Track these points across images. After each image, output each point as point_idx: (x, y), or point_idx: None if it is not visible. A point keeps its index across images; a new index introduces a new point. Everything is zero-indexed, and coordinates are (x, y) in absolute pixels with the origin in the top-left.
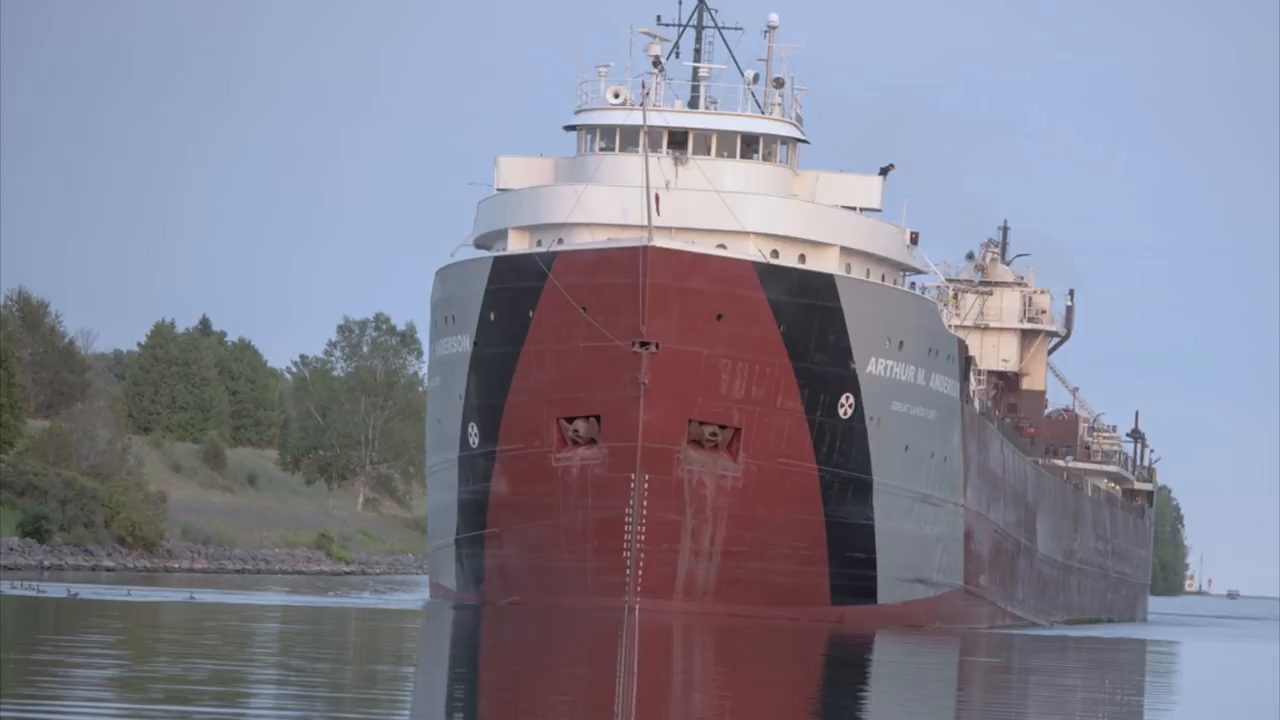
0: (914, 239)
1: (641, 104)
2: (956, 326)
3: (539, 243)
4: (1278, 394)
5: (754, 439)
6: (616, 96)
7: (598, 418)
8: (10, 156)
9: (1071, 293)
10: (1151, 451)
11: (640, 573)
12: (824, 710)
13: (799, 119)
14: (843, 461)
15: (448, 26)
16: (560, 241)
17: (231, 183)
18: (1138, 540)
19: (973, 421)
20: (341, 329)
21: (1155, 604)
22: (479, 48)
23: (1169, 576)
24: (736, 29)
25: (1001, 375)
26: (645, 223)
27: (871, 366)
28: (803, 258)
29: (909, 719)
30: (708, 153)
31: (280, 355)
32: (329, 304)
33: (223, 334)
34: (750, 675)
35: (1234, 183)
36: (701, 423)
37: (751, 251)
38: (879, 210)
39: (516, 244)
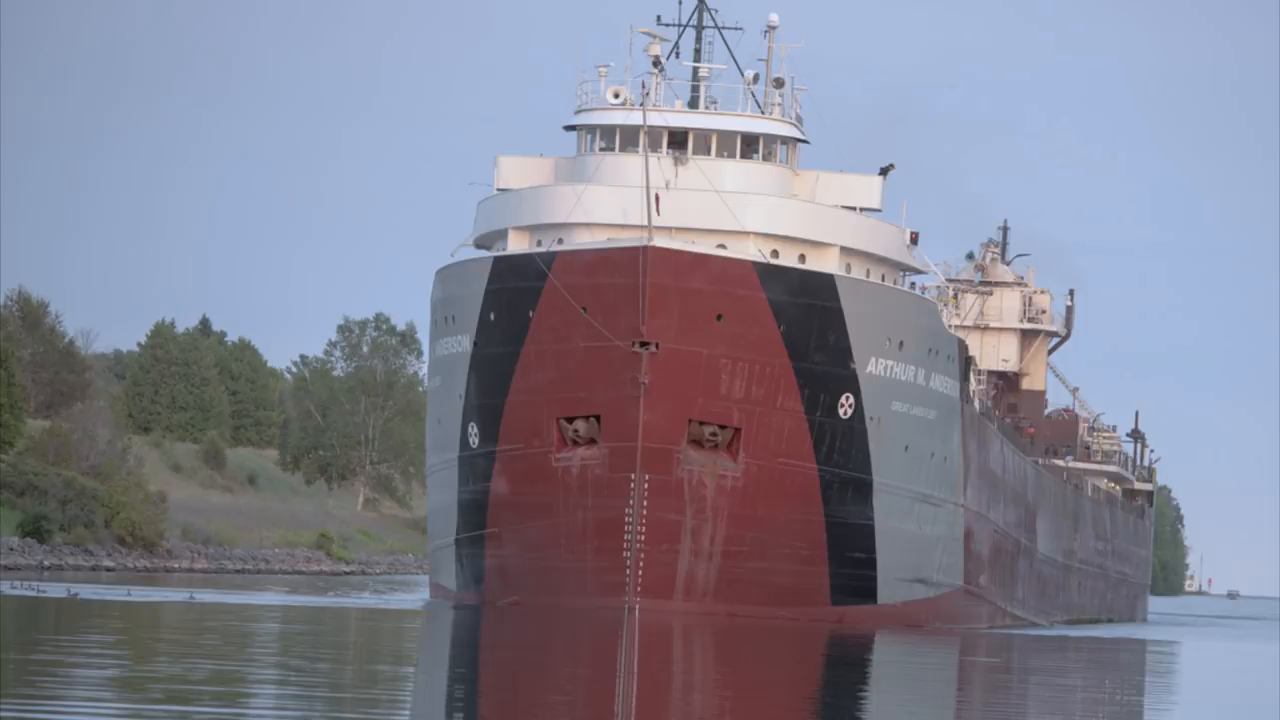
0: (914, 239)
1: (641, 104)
2: (956, 326)
3: (539, 243)
4: (1278, 394)
5: (754, 439)
6: (616, 96)
7: (598, 418)
8: (10, 156)
9: (1071, 293)
10: (1151, 451)
11: (640, 573)
12: (824, 710)
13: (799, 119)
14: (843, 461)
15: (448, 26)
16: (560, 241)
17: (231, 183)
18: (1138, 540)
19: (973, 421)
20: (341, 329)
21: (1155, 604)
22: (479, 48)
23: (1169, 576)
24: (736, 29)
25: (1001, 375)
26: (645, 223)
27: (871, 366)
28: (803, 258)
29: (909, 719)
30: (708, 153)
31: (280, 355)
32: (329, 304)
33: (223, 334)
34: (750, 675)
35: (1234, 183)
36: (701, 423)
37: (751, 251)
38: (879, 210)
39: (516, 244)
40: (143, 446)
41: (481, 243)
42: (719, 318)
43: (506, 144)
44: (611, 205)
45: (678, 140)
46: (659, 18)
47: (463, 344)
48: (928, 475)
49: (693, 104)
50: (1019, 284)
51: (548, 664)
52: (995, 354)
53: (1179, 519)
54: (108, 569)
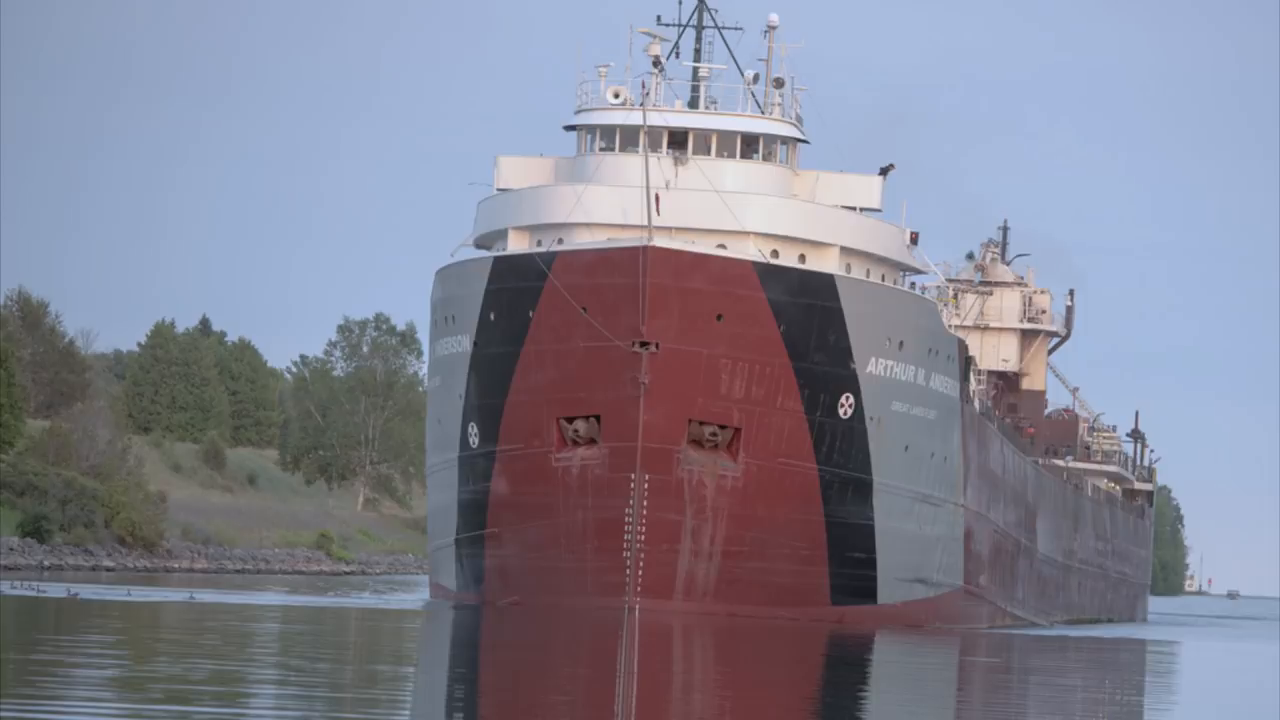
0: (914, 239)
1: (641, 104)
2: (956, 326)
3: (539, 243)
4: (1278, 394)
5: (754, 439)
6: (616, 96)
7: (598, 418)
8: (10, 156)
9: (1071, 293)
10: (1151, 451)
11: (640, 573)
12: (824, 710)
13: (799, 119)
14: (843, 461)
15: (448, 26)
16: (560, 241)
17: (231, 183)
18: (1138, 540)
19: (973, 421)
20: (341, 329)
21: (1155, 604)
22: (479, 48)
23: (1169, 576)
24: (736, 29)
25: (1001, 375)
26: (645, 223)
27: (871, 366)
28: (803, 258)
29: (909, 719)
30: (708, 153)
31: (280, 355)
32: (329, 304)
33: (223, 334)
34: (750, 675)
35: (1234, 183)
36: (701, 423)
37: (751, 251)
38: (879, 210)
39: (516, 244)
40: (143, 446)
41: (481, 243)
42: (719, 318)
43: (506, 144)
44: (611, 205)
45: (678, 140)
46: (659, 18)
47: (463, 344)
48: (928, 475)
49: (693, 104)
50: (1019, 284)
51: (548, 664)
52: (995, 354)
53: (1179, 519)
54: (108, 569)
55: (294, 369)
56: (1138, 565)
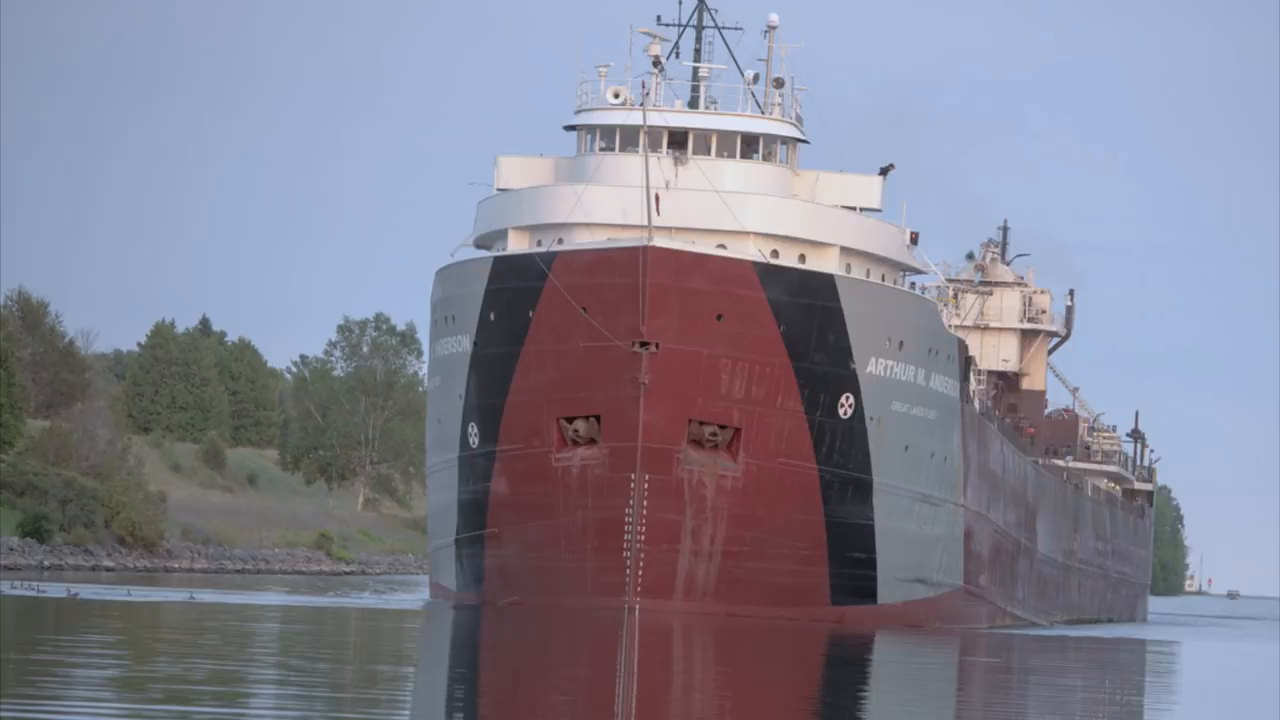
0: (914, 239)
1: (641, 104)
2: (956, 326)
3: (539, 243)
4: (1278, 394)
5: (754, 439)
6: (616, 96)
7: (598, 418)
8: (10, 156)
9: (1071, 293)
10: (1151, 451)
11: (640, 573)
12: (824, 710)
13: (799, 119)
14: (843, 461)
15: (448, 26)
16: (560, 241)
17: (231, 183)
18: (1138, 540)
19: (973, 421)
20: (341, 329)
21: (1155, 604)
22: (479, 48)
23: (1169, 576)
24: (736, 29)
25: (1001, 375)
26: (645, 223)
27: (871, 366)
28: (803, 258)
29: (909, 719)
30: (708, 153)
31: (280, 355)
32: (329, 304)
33: (223, 334)
34: (750, 675)
35: (1234, 183)
36: (701, 423)
37: (751, 251)
38: (879, 210)
39: (516, 244)
40: (143, 446)
41: (481, 243)
42: (719, 318)
43: (506, 144)
44: (611, 205)
45: (678, 140)
46: (659, 18)
47: (463, 344)
48: (928, 475)
49: (693, 104)
50: (1019, 284)
51: (548, 664)
52: (995, 354)
53: (1179, 519)
54: (108, 569)
55: (294, 369)
56: (1138, 565)
